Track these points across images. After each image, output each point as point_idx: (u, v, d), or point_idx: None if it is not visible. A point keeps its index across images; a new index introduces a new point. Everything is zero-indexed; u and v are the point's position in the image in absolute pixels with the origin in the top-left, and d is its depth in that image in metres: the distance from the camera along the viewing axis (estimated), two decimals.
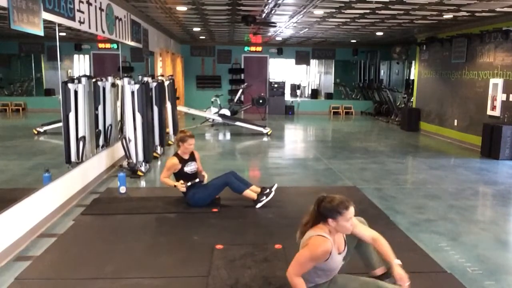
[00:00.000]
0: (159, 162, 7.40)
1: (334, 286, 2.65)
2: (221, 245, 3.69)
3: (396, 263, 2.62)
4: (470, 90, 9.53)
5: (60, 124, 5.42)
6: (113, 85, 6.84)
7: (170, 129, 9.17)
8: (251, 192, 4.76)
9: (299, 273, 2.56)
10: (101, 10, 6.11)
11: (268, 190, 4.83)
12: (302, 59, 16.65)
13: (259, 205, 4.74)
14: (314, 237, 2.54)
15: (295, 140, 11.11)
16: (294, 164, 7.54)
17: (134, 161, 6.26)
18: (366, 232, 2.78)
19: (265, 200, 4.75)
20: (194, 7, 7.95)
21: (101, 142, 6.51)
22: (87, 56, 12.86)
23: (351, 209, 2.51)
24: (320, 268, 2.57)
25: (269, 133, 10.61)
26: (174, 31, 12.03)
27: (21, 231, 3.75)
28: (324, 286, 2.65)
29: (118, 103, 7.09)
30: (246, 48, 16.19)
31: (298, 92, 16.90)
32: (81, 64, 13.04)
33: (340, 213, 2.48)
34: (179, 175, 4.74)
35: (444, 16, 8.45)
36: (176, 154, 4.78)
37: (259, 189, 4.83)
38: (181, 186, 4.66)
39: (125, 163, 6.37)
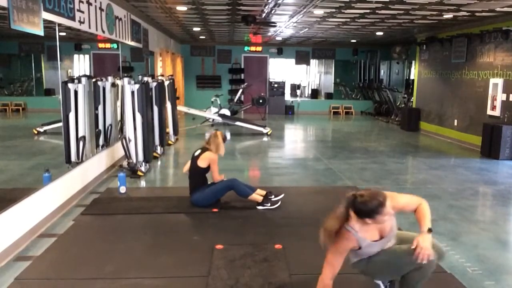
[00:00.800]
0: (159, 162, 7.40)
1: (376, 258, 2.57)
2: (221, 245, 3.69)
3: (423, 231, 2.45)
4: (470, 90, 9.53)
5: (60, 124, 5.42)
6: (113, 85, 6.84)
7: (170, 129, 9.18)
8: (256, 196, 4.75)
9: (331, 275, 2.47)
10: (101, 10, 6.11)
11: (274, 198, 4.82)
12: (302, 59, 16.65)
13: (261, 207, 4.74)
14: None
15: (295, 140, 11.11)
16: (294, 164, 7.54)
17: (134, 161, 6.26)
18: (410, 206, 2.62)
19: (269, 207, 4.74)
20: (194, 7, 7.95)
21: (101, 142, 6.51)
22: (87, 56, 12.86)
23: (388, 203, 2.37)
24: (358, 253, 2.50)
25: (269, 133, 10.60)
26: (174, 31, 12.03)
27: (21, 231, 3.75)
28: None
29: (118, 103, 7.09)
30: (246, 48, 16.18)
31: (298, 92, 16.89)
32: (81, 64, 13.03)
33: (378, 212, 2.36)
34: (208, 171, 4.79)
35: (444, 16, 8.45)
36: (210, 150, 4.78)
37: (264, 192, 4.82)
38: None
39: (125, 163, 6.37)
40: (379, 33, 11.73)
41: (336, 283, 3.15)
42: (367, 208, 2.35)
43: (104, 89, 6.59)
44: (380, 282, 2.90)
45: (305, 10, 7.98)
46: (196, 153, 4.82)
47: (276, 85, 16.33)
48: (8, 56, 12.89)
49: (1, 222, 3.47)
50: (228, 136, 5.11)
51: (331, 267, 2.47)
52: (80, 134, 5.48)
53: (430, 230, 2.47)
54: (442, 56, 10.71)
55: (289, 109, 16.09)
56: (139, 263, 3.42)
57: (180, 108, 11.48)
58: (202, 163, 4.72)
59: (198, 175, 4.78)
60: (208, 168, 4.77)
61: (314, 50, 16.46)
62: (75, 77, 5.87)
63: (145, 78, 7.44)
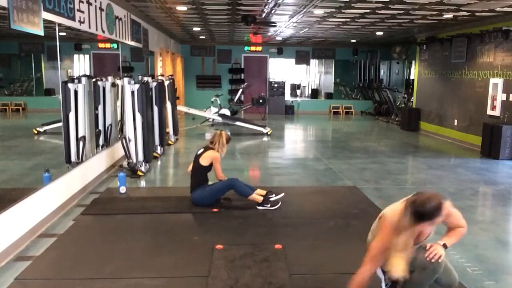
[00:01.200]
0: (159, 162, 7.39)
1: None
2: (221, 245, 3.69)
3: (439, 242, 2.51)
4: (470, 90, 9.52)
5: (60, 124, 5.42)
6: (113, 85, 6.84)
7: (170, 129, 9.17)
8: (256, 196, 4.76)
9: (372, 271, 2.42)
10: (101, 9, 6.11)
11: (274, 197, 4.84)
12: (302, 59, 16.64)
13: (261, 208, 4.74)
14: (380, 223, 2.44)
15: (295, 140, 11.11)
16: (294, 164, 7.54)
17: (134, 161, 6.26)
18: (454, 222, 2.61)
19: (269, 208, 4.74)
20: (194, 7, 7.95)
21: (101, 142, 6.51)
22: (87, 56, 12.85)
23: (445, 205, 2.34)
24: None
25: (269, 133, 10.60)
26: (174, 31, 12.03)
27: (21, 231, 3.75)
28: None
29: (118, 103, 7.09)
30: (246, 48, 16.18)
31: (298, 92, 16.89)
32: (81, 64, 13.03)
33: (437, 216, 2.32)
34: (210, 169, 4.81)
35: (444, 16, 8.45)
36: (214, 150, 4.81)
37: (264, 192, 4.84)
38: None
39: (125, 163, 6.37)
40: (379, 33, 11.73)
41: (335, 283, 3.16)
42: (427, 210, 2.30)
43: (104, 89, 6.59)
44: (382, 279, 2.90)
45: (305, 10, 7.98)
46: (199, 152, 4.86)
47: (276, 85, 16.33)
48: (8, 56, 12.89)
49: (1, 222, 3.47)
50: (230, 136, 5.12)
51: (374, 264, 2.42)
52: (80, 134, 5.48)
53: (444, 246, 2.53)
54: (442, 56, 10.71)
55: (289, 109, 16.09)
56: (139, 263, 3.41)
57: (180, 108, 11.48)
58: (204, 161, 4.75)
59: (199, 173, 4.79)
60: (209, 167, 4.80)
61: (314, 50, 16.45)
62: (75, 77, 5.86)
63: (145, 78, 7.44)
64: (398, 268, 2.32)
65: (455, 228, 2.63)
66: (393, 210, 2.47)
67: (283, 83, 16.49)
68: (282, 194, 4.91)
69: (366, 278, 2.44)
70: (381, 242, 2.41)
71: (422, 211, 2.31)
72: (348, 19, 9.20)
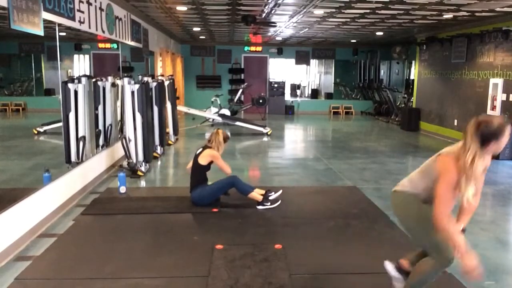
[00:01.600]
0: (159, 162, 7.40)
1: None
2: (221, 245, 3.69)
3: (459, 227, 2.51)
4: (470, 90, 9.53)
5: (60, 124, 5.43)
6: (113, 85, 6.84)
7: (170, 129, 9.18)
8: (256, 195, 4.79)
9: (449, 209, 2.37)
10: (101, 10, 6.11)
11: (273, 195, 4.88)
12: (302, 59, 16.65)
13: (261, 207, 4.75)
14: (440, 160, 2.39)
15: (295, 140, 11.11)
16: (294, 164, 7.54)
17: (134, 161, 6.26)
18: (480, 180, 2.48)
19: (269, 206, 4.76)
20: (194, 7, 7.95)
21: (101, 142, 6.51)
22: (87, 56, 12.87)
23: (509, 125, 2.30)
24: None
25: (269, 133, 10.61)
26: (174, 31, 12.03)
27: (21, 231, 3.75)
28: None
29: (118, 103, 7.09)
30: (246, 48, 16.18)
31: (298, 92, 16.90)
32: (81, 64, 13.04)
33: (503, 134, 2.28)
34: (209, 169, 4.84)
35: (444, 16, 8.45)
36: (211, 149, 4.83)
37: (263, 191, 4.86)
38: None
39: (125, 163, 6.37)
40: (379, 33, 11.73)
41: (335, 283, 3.17)
42: (492, 128, 2.27)
43: (104, 89, 6.59)
44: (395, 275, 2.86)
45: (305, 10, 7.98)
46: (198, 151, 4.87)
47: (276, 85, 16.33)
48: (8, 56, 12.92)
49: (1, 222, 3.47)
50: (229, 135, 5.14)
51: (449, 201, 2.39)
52: (80, 134, 5.48)
53: (463, 230, 2.58)
54: (442, 56, 10.71)
55: (289, 109, 16.09)
56: (139, 263, 3.42)
57: (180, 108, 11.48)
58: (202, 160, 4.76)
59: (199, 172, 4.81)
60: (208, 166, 4.81)
61: (314, 50, 16.45)
62: (75, 77, 5.87)
63: (145, 78, 7.44)
64: (469, 192, 2.36)
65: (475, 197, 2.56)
66: (452, 150, 2.43)
67: (283, 83, 16.49)
68: (281, 191, 4.98)
69: (448, 217, 2.40)
70: (446, 183, 2.39)
71: (488, 131, 2.29)
72: (348, 19, 9.20)
